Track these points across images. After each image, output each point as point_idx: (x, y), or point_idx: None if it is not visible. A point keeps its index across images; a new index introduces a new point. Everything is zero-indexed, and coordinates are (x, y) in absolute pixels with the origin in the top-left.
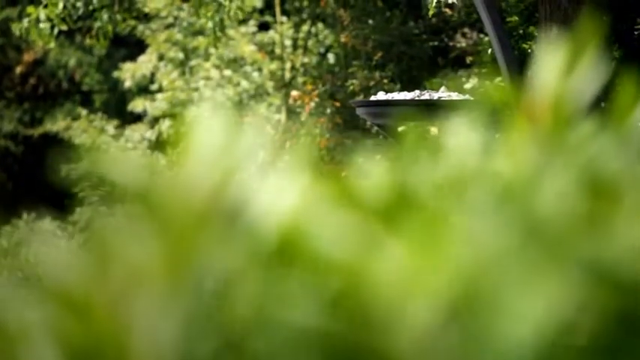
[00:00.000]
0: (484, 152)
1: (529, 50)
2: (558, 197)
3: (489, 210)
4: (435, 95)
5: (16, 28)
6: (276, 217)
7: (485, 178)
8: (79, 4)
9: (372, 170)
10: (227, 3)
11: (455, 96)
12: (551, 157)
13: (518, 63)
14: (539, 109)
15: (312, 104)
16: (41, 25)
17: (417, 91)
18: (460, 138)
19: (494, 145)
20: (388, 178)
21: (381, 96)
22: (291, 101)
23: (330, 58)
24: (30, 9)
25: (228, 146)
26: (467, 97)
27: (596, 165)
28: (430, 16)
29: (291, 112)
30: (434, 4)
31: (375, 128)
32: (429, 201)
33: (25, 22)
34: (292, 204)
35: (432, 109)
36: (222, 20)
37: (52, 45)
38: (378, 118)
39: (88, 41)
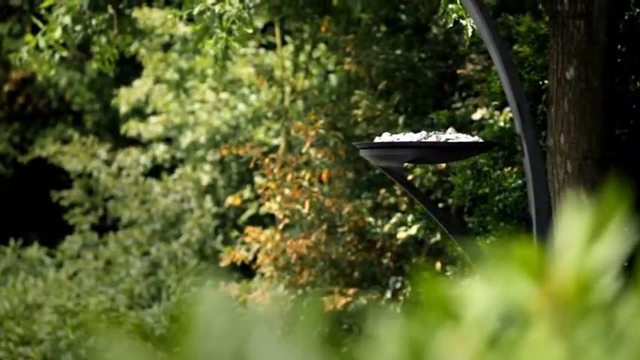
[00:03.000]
0: (506, 328)
1: (540, 82)
2: None
3: None
4: (442, 137)
5: (14, 59)
6: None
7: None
8: (78, 27)
9: (389, 348)
10: (224, 35)
11: (463, 138)
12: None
13: (529, 97)
14: (563, 280)
15: (313, 133)
16: (41, 54)
17: (424, 132)
18: (481, 308)
19: (516, 320)
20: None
21: (385, 137)
22: (292, 132)
23: (333, 79)
24: (27, 37)
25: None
26: (475, 139)
27: None
28: (467, 47)
29: (292, 143)
30: (469, 35)
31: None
32: None
33: (24, 51)
34: None
35: (439, 151)
36: (225, 48)
37: (53, 73)
38: (382, 160)
39: (94, 66)
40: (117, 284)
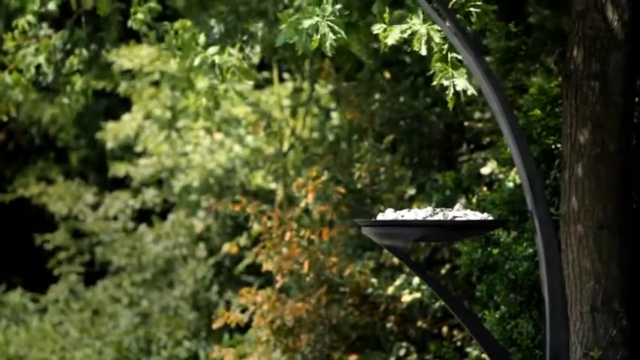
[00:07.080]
0: None
1: (553, 145)
2: None
3: None
4: (450, 214)
5: None
6: None
7: None
8: (48, 69)
9: None
10: (224, 87)
11: (471, 215)
12: None
13: (541, 161)
14: None
15: (313, 189)
16: (9, 92)
17: (429, 209)
18: None
19: None
20: None
21: (389, 214)
22: (293, 189)
23: (334, 120)
24: None
25: None
26: (484, 216)
27: None
28: (450, 109)
29: (291, 195)
30: (451, 95)
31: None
32: None
33: None
34: None
35: (446, 229)
36: (216, 97)
37: (13, 114)
38: (386, 239)
39: (48, 112)
40: (104, 336)
